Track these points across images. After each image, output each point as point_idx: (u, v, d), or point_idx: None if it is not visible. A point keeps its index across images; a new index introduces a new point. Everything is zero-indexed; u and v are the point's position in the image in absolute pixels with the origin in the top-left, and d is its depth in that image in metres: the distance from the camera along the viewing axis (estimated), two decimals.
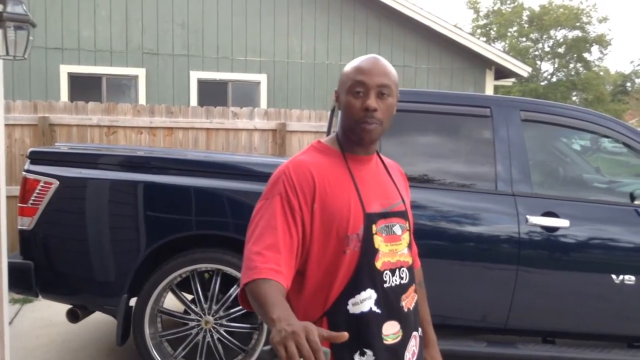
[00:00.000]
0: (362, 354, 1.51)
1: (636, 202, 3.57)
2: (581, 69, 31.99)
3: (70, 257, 3.58)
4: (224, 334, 3.53)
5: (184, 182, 3.53)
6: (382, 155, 1.75)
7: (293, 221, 1.48)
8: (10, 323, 4.57)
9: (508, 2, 33.55)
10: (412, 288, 1.64)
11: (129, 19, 9.37)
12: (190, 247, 3.54)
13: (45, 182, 3.48)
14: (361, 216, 1.53)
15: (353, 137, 1.58)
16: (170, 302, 3.72)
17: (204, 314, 3.54)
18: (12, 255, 3.62)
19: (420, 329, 1.72)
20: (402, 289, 1.59)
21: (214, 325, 3.53)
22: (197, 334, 3.54)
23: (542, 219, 3.43)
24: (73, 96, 8.94)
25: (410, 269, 1.64)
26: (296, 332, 1.17)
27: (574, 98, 31.93)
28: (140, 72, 9.42)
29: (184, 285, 3.64)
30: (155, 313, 3.56)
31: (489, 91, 10.62)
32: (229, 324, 3.55)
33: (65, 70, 9.17)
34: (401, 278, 1.59)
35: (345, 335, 1.24)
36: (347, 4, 10.07)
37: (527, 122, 3.64)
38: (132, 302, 3.55)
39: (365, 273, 1.52)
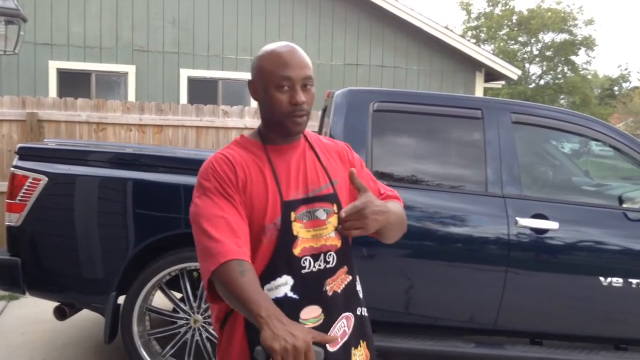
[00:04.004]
0: None
1: (624, 205, 3.59)
2: (569, 72, 32.24)
3: (58, 254, 3.55)
4: (213, 332, 3.52)
5: (174, 180, 3.52)
6: (319, 138, 1.75)
7: (238, 208, 1.50)
8: None
9: (500, 5, 33.74)
10: (343, 270, 1.64)
11: (119, 15, 9.32)
12: (179, 245, 3.52)
13: (33, 179, 3.45)
14: (279, 205, 1.54)
15: (281, 131, 1.59)
16: (159, 300, 3.69)
17: (193, 313, 3.52)
18: None
19: (359, 309, 1.70)
20: (326, 273, 1.59)
21: (203, 324, 3.52)
22: (186, 332, 3.53)
23: (531, 221, 3.45)
24: (62, 92, 8.88)
25: (341, 251, 1.63)
26: (299, 350, 1.22)
27: (561, 101, 32.16)
28: (130, 69, 9.36)
29: (172, 283, 3.62)
30: (143, 311, 3.53)
31: (479, 93, 10.67)
32: None
33: (54, 66, 9.10)
34: (326, 262, 1.59)
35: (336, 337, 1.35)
36: (339, 4, 10.08)
37: (518, 125, 3.65)
38: (121, 300, 3.53)
39: (282, 260, 1.53)
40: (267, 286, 1.52)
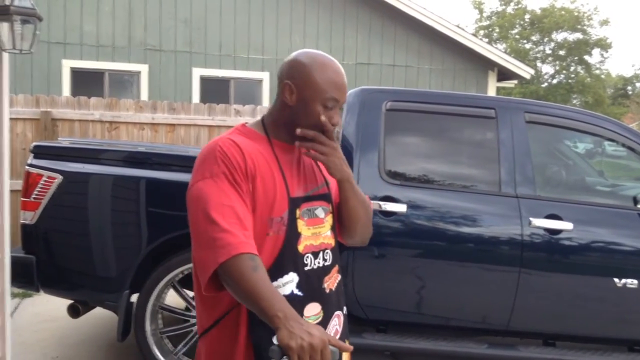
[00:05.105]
0: None
1: (639, 206, 3.56)
2: (582, 71, 32.00)
3: (72, 252, 3.58)
4: None
5: (186, 179, 3.51)
6: None
7: (244, 198, 1.47)
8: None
9: (512, 4, 33.53)
10: (335, 269, 1.66)
11: (132, 14, 9.36)
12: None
13: (48, 177, 3.48)
14: (286, 200, 1.53)
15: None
16: (172, 299, 3.71)
17: None
18: (14, 249, 3.61)
19: (345, 308, 1.72)
20: (324, 271, 1.61)
21: None
22: None
23: (545, 221, 3.43)
24: (75, 91, 8.93)
25: (334, 250, 1.66)
26: (315, 348, 1.24)
27: (574, 101, 31.93)
28: (143, 68, 9.40)
29: (185, 282, 3.63)
30: (156, 309, 3.55)
31: (492, 92, 10.61)
32: None
33: (67, 65, 9.16)
34: (324, 260, 1.62)
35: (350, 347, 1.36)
36: (350, 2, 10.06)
37: (532, 124, 3.63)
38: (134, 298, 3.55)
39: (288, 257, 1.52)
40: (275, 283, 1.50)
